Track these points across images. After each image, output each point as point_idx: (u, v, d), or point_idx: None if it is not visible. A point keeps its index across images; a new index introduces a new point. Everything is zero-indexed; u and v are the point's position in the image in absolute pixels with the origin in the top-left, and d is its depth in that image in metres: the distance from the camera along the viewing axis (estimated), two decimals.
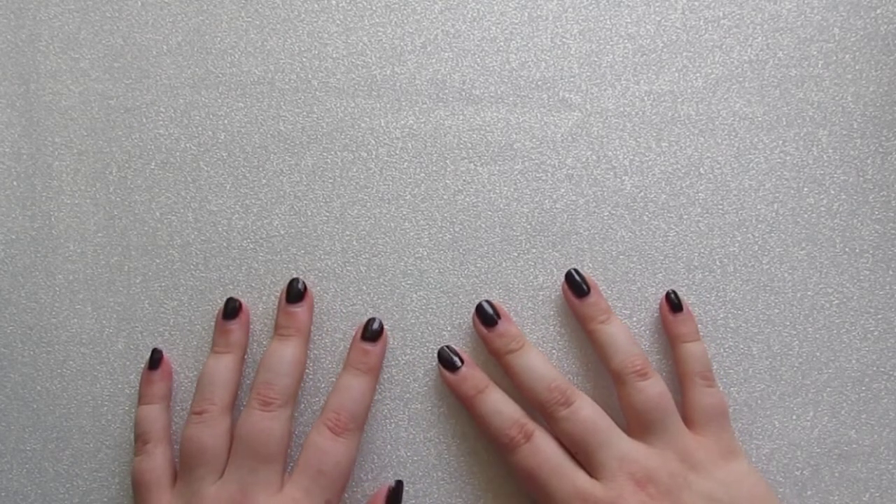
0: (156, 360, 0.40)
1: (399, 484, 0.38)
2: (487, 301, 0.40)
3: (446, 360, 0.39)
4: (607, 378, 0.39)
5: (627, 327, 0.39)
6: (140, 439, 0.38)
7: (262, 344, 0.41)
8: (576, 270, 0.40)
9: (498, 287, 0.41)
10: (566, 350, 0.41)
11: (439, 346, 0.40)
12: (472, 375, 0.39)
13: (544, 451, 0.36)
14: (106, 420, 0.41)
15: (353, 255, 0.42)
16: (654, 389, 0.37)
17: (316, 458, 0.36)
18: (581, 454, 0.36)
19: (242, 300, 0.40)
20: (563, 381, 0.38)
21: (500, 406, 0.38)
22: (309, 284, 0.41)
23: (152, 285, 0.42)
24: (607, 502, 0.35)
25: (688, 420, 0.38)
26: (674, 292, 0.40)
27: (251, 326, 0.41)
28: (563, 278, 0.40)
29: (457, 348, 0.40)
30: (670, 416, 0.37)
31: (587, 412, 0.37)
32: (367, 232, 0.42)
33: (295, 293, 0.40)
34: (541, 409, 0.38)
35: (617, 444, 0.36)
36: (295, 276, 0.41)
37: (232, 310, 0.40)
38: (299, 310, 0.39)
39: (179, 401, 0.41)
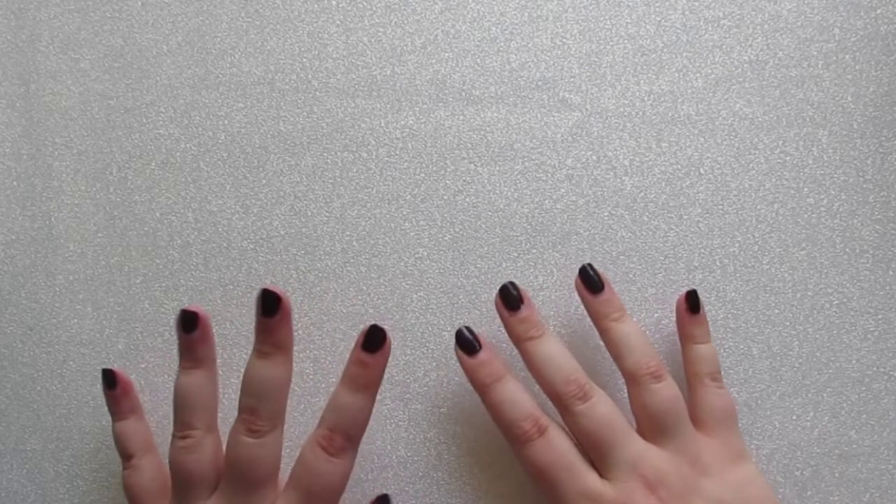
0: (110, 380, 0.39)
1: (384, 497, 0.38)
2: (512, 283, 0.38)
3: (465, 342, 0.37)
4: (609, 379, 0.39)
5: (641, 328, 0.39)
6: (124, 455, 0.38)
7: None
8: (590, 266, 0.38)
9: (498, 287, 0.41)
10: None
11: (457, 328, 0.37)
12: (490, 362, 0.37)
13: (557, 447, 0.35)
14: (106, 420, 0.41)
15: (353, 255, 0.42)
16: (668, 392, 0.36)
17: (307, 479, 0.35)
18: (594, 452, 0.36)
19: (199, 308, 0.36)
20: (582, 374, 0.36)
21: (515, 396, 0.36)
22: (309, 285, 0.41)
23: (152, 285, 0.42)
24: None
25: (696, 421, 0.37)
26: (695, 292, 0.39)
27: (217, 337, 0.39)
28: (564, 277, 0.40)
29: (476, 331, 0.37)
30: (682, 420, 0.36)
31: (604, 409, 0.36)
32: (367, 232, 0.42)
33: (268, 303, 0.34)
34: (556, 402, 0.36)
35: (631, 444, 0.35)
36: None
37: (189, 322, 0.35)
38: (275, 322, 0.35)
39: None
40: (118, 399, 0.39)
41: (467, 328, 0.37)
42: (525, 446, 0.36)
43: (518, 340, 0.37)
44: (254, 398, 0.35)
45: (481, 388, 0.37)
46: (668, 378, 0.37)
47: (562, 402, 0.36)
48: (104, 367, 0.39)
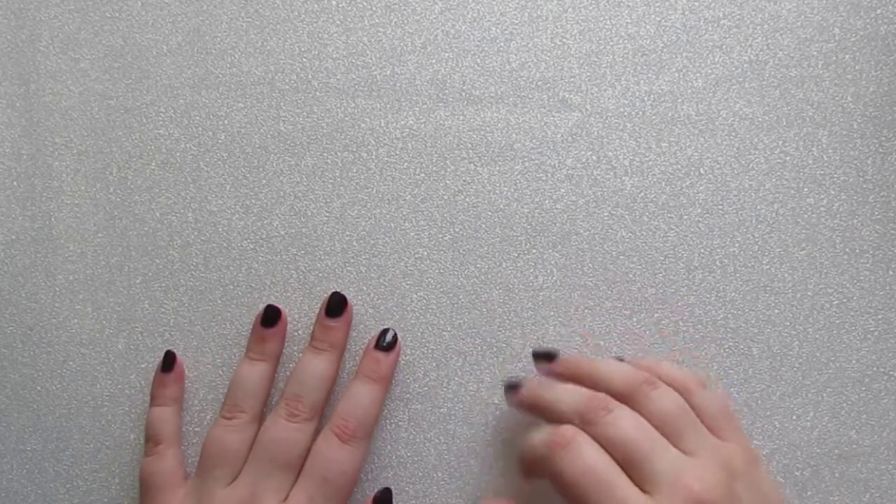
0: (169, 362, 0.40)
1: (387, 491, 0.38)
2: (510, 380, 0.38)
3: (511, 387, 0.37)
4: None
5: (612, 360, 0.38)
6: (151, 440, 0.38)
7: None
8: (534, 350, 0.39)
9: (498, 287, 0.41)
10: (567, 352, 0.40)
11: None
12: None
13: (586, 457, 0.32)
14: (106, 420, 0.41)
15: (353, 255, 0.42)
16: (668, 396, 0.34)
17: (321, 466, 0.36)
18: (627, 464, 0.32)
19: (283, 308, 0.40)
20: (602, 393, 0.35)
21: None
22: (309, 285, 0.41)
23: (152, 285, 0.42)
24: None
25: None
26: (610, 359, 0.38)
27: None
28: (564, 277, 0.40)
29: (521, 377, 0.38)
30: (696, 423, 0.34)
31: (632, 419, 0.33)
32: (367, 232, 0.42)
33: (334, 306, 0.39)
34: (583, 420, 0.34)
35: (668, 453, 0.32)
36: (335, 288, 0.41)
37: (271, 317, 0.40)
38: (336, 324, 0.39)
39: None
40: (169, 383, 0.40)
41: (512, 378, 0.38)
42: (549, 461, 0.33)
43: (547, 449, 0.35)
44: (301, 385, 0.38)
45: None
46: (664, 385, 0.35)
47: (587, 419, 0.33)
48: (168, 349, 0.41)
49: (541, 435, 0.34)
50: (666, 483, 0.31)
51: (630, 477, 0.32)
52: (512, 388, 0.37)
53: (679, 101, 0.42)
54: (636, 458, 0.32)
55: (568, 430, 0.33)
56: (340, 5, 0.43)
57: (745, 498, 0.33)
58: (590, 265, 0.41)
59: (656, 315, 0.41)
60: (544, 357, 0.38)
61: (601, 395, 0.34)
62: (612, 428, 0.33)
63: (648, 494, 0.31)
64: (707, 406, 0.35)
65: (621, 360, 0.38)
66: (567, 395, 0.35)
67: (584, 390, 0.35)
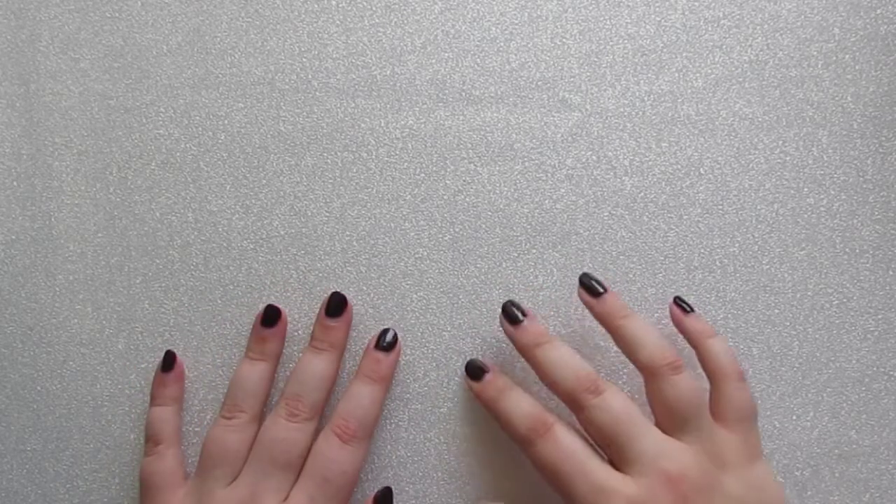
0: (169, 362, 0.40)
1: (387, 491, 0.38)
2: (511, 301, 0.38)
3: (473, 370, 0.38)
4: (611, 378, 0.39)
5: (652, 323, 0.38)
6: (151, 440, 0.38)
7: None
8: (587, 273, 0.39)
9: (498, 287, 0.41)
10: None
11: (466, 360, 0.39)
12: (494, 380, 0.37)
13: (563, 442, 0.35)
14: (106, 420, 0.41)
15: (353, 255, 0.42)
16: (688, 383, 0.35)
17: (322, 466, 0.36)
18: (611, 446, 0.35)
19: (283, 308, 0.40)
20: (592, 371, 0.36)
21: (519, 401, 0.36)
22: (309, 285, 0.41)
23: (152, 285, 0.42)
24: (640, 501, 0.33)
25: (717, 416, 0.36)
26: (679, 297, 0.39)
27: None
28: (564, 277, 0.40)
29: (483, 359, 0.39)
30: (703, 412, 0.35)
31: (619, 401, 0.35)
32: (367, 232, 0.42)
33: (334, 306, 0.39)
34: (569, 400, 0.36)
35: (651, 437, 0.34)
36: (335, 288, 0.41)
37: (271, 317, 0.39)
38: (336, 324, 0.39)
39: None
40: (169, 383, 0.40)
41: (475, 360, 0.39)
42: (531, 445, 0.35)
43: (525, 350, 0.37)
44: (301, 385, 0.38)
45: (489, 402, 0.37)
46: (687, 370, 0.36)
47: (574, 399, 0.35)
48: (168, 349, 0.41)
49: (523, 415, 0.36)
50: (644, 464, 0.34)
51: (612, 458, 0.35)
52: (474, 375, 0.38)
53: (679, 101, 0.42)
54: (619, 441, 0.34)
55: (548, 418, 0.35)
56: (340, 5, 0.43)
57: (732, 490, 0.34)
58: (590, 265, 0.41)
59: (656, 315, 0.41)
60: (590, 290, 0.38)
61: (591, 376, 0.36)
62: (597, 411, 0.35)
63: (627, 475, 0.34)
64: (731, 399, 0.36)
65: (690, 310, 0.39)
66: (561, 373, 0.36)
67: (577, 366, 0.36)
